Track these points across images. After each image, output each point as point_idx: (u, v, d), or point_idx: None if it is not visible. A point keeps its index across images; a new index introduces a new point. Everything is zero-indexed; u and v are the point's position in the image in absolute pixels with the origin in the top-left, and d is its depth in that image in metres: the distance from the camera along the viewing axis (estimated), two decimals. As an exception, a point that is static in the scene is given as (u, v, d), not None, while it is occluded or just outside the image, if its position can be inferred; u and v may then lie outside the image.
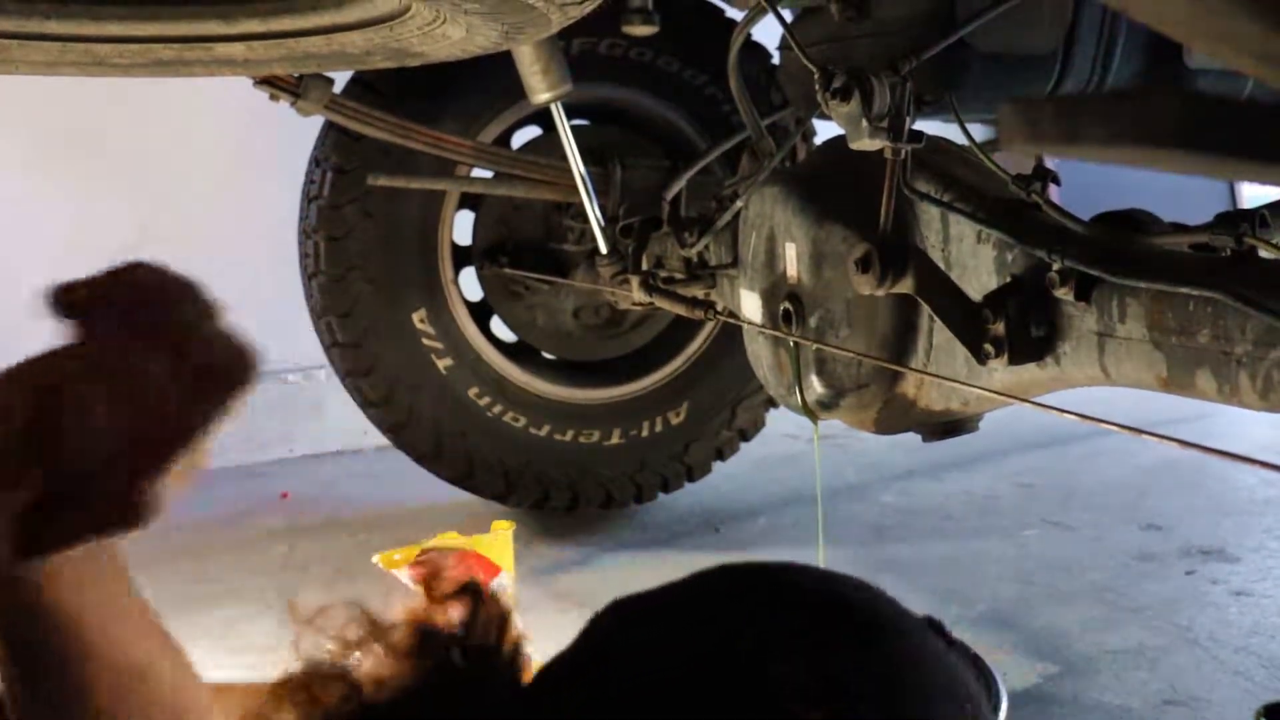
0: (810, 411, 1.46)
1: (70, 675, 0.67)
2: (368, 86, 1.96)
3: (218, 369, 0.59)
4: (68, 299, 0.59)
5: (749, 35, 1.59)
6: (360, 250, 2.02)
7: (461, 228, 2.14)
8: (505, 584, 1.68)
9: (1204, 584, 1.90)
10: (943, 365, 1.33)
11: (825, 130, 1.67)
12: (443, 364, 2.09)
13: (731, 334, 2.15)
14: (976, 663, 0.64)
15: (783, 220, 1.45)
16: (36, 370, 0.60)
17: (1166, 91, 0.44)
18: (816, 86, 1.26)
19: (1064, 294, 1.12)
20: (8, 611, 0.66)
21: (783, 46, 1.61)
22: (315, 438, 2.80)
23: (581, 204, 1.90)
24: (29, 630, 0.66)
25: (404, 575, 1.66)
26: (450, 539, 1.72)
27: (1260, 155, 0.46)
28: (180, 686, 0.78)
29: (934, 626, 0.63)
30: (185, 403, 0.58)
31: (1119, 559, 2.01)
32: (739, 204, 1.57)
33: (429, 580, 0.67)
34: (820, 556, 1.61)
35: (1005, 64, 1.40)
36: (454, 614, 0.65)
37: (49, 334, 0.60)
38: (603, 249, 1.88)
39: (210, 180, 2.71)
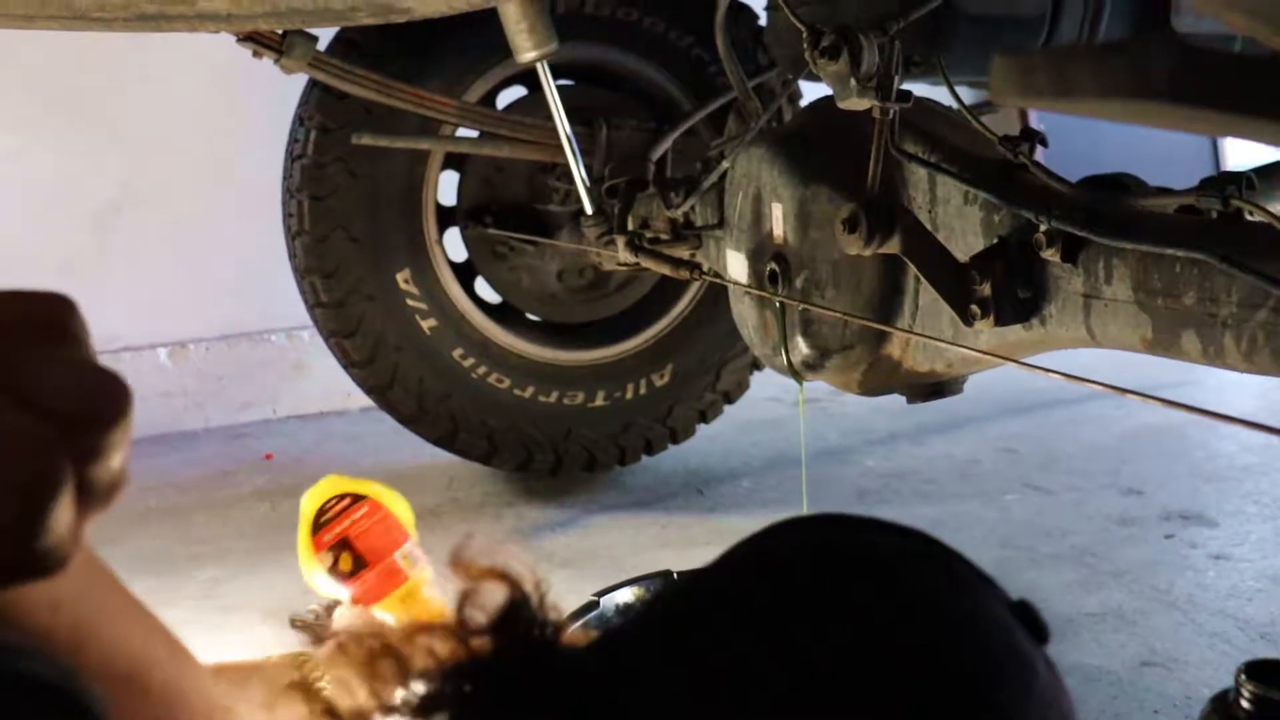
0: (796, 372, 1.46)
1: None
2: (352, 44, 1.95)
3: (76, 408, 0.54)
4: None
5: (736, -5, 1.58)
6: (344, 210, 2.01)
7: (446, 188, 2.13)
8: (414, 551, 1.66)
9: (1183, 548, 1.92)
10: (928, 326, 1.34)
11: (811, 92, 1.67)
12: (427, 325, 2.08)
13: (716, 296, 2.15)
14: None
15: (769, 181, 1.45)
16: None
17: (1160, 45, 0.44)
18: (805, 45, 1.25)
19: (1050, 255, 1.12)
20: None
21: (770, 7, 1.60)
22: (299, 398, 2.80)
23: (567, 165, 1.89)
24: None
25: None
26: (362, 486, 1.70)
27: (1253, 110, 0.46)
28: (182, 689, 0.77)
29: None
30: (44, 448, 0.53)
31: (1099, 523, 2.02)
32: (725, 165, 1.57)
33: (460, 559, 0.66)
34: (804, 518, 1.61)
35: (993, 25, 1.39)
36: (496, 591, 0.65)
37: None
38: (588, 210, 1.88)
39: (193, 139, 2.69)
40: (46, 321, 0.55)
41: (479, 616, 0.63)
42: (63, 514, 0.53)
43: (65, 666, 0.54)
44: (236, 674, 1.11)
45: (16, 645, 0.54)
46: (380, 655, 0.66)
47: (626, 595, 1.41)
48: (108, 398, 0.55)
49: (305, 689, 1.02)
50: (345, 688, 1.09)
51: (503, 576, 0.64)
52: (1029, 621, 0.61)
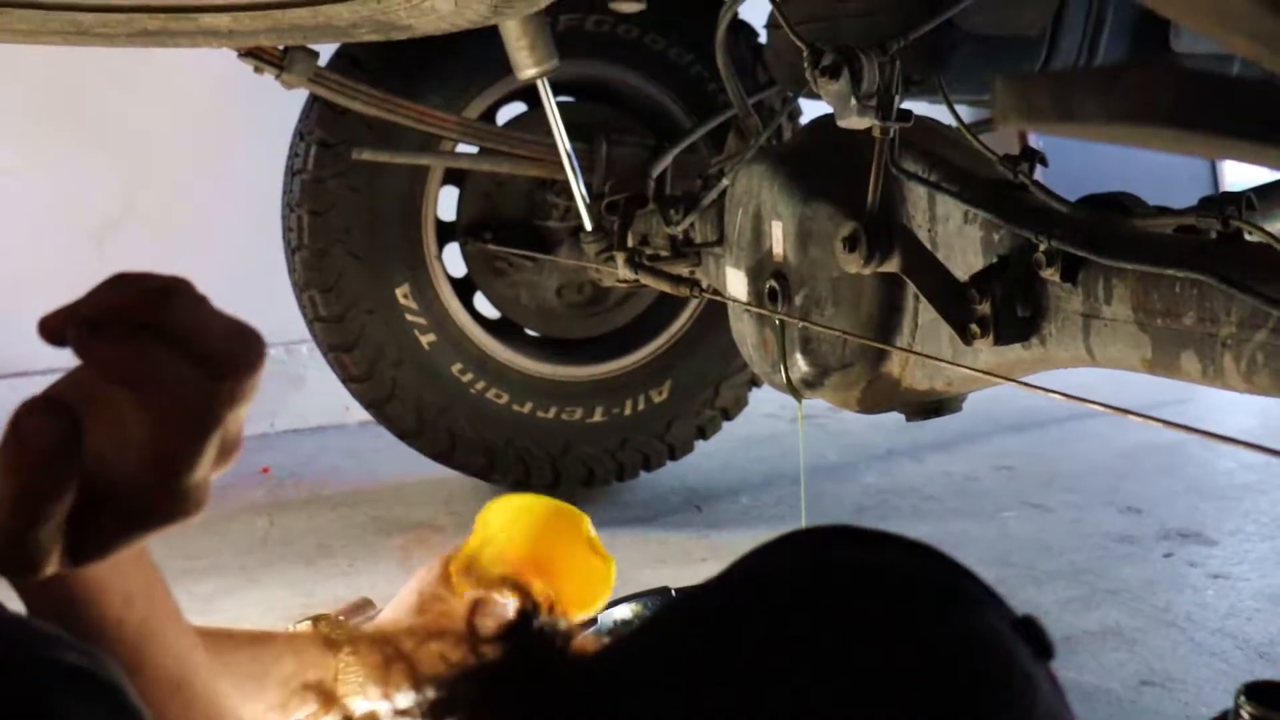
0: (795, 390, 1.46)
1: None
2: (353, 60, 1.95)
3: (220, 354, 0.59)
4: (51, 327, 0.60)
5: (736, 13, 1.58)
6: (344, 225, 2.01)
7: (446, 203, 2.13)
8: None
9: (1182, 566, 1.91)
10: (928, 345, 1.34)
11: (811, 110, 1.67)
12: (426, 340, 2.08)
13: (715, 313, 2.15)
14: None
15: (769, 198, 1.45)
16: (62, 384, 0.62)
17: (1163, 68, 0.44)
18: (805, 64, 1.26)
19: (1050, 275, 1.13)
20: (65, 619, 0.67)
21: (770, 25, 1.60)
22: (297, 412, 2.80)
23: (566, 181, 1.90)
24: (81, 637, 0.66)
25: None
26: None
27: (1255, 135, 0.46)
28: (213, 696, 0.79)
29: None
30: (193, 393, 0.58)
31: (1098, 541, 2.02)
32: (725, 182, 1.57)
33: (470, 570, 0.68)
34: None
35: (992, 45, 1.40)
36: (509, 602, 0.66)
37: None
38: (588, 226, 1.88)
39: (193, 153, 2.69)
40: (183, 288, 0.61)
41: (489, 624, 0.64)
42: (210, 456, 0.59)
43: (97, 654, 0.56)
44: (262, 644, 1.11)
45: (53, 633, 0.56)
46: (392, 660, 0.66)
47: (624, 611, 1.40)
48: (251, 346, 0.61)
49: (321, 690, 1.03)
50: (359, 690, 1.10)
51: (514, 585, 0.65)
52: (1033, 638, 0.61)
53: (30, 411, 0.58)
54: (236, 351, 0.60)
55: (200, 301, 0.61)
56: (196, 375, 0.59)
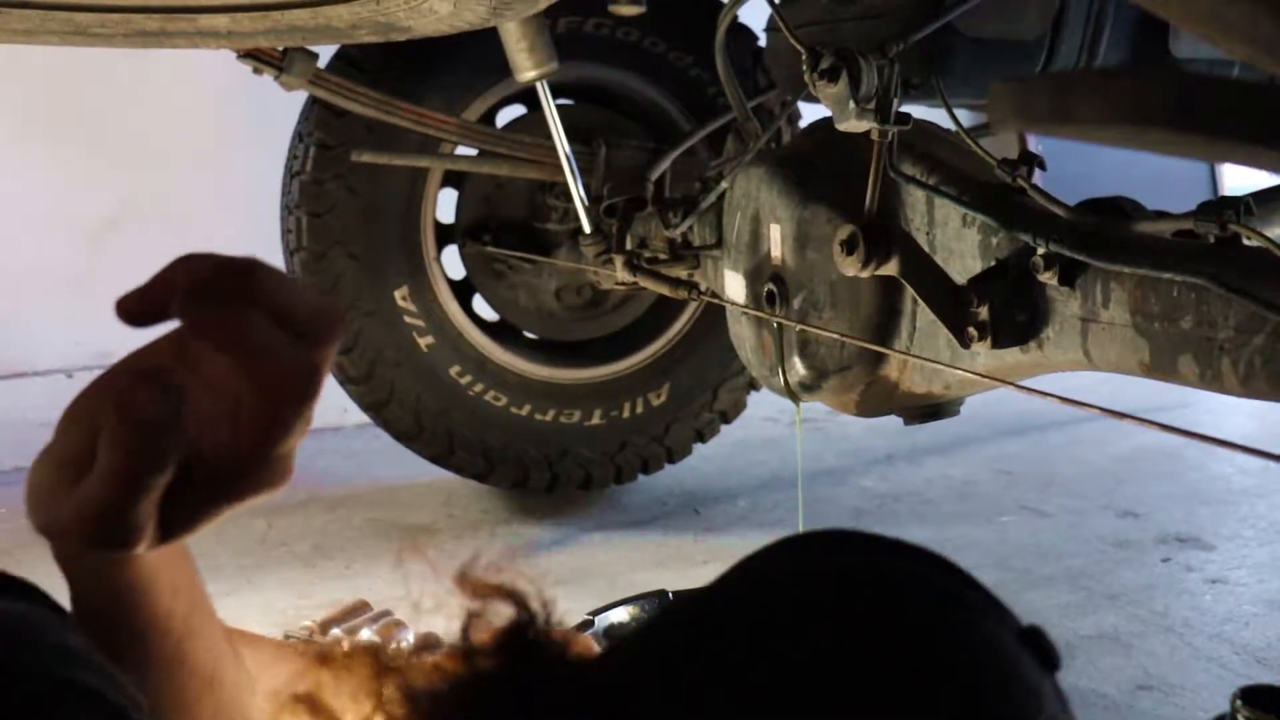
0: (793, 393, 1.46)
1: (152, 679, 0.68)
2: (352, 62, 1.95)
3: (309, 323, 0.61)
4: (129, 307, 0.60)
5: (735, 17, 1.58)
6: (343, 227, 2.01)
7: (445, 205, 2.13)
8: None
9: (1179, 571, 1.91)
10: (926, 348, 1.34)
11: (810, 114, 1.67)
12: (424, 342, 2.08)
13: (713, 316, 2.15)
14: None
15: (768, 201, 1.45)
16: (149, 356, 0.62)
17: (1160, 71, 0.44)
18: (804, 67, 1.26)
19: (1048, 279, 1.13)
20: (117, 609, 0.67)
21: (769, 28, 1.61)
22: (295, 415, 2.79)
23: (565, 183, 1.90)
24: (127, 631, 0.67)
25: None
26: None
27: (1252, 137, 0.46)
28: (241, 693, 0.78)
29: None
30: (291, 359, 0.60)
31: (1095, 545, 2.02)
32: (724, 185, 1.57)
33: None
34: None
35: (991, 49, 1.40)
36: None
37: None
38: (586, 228, 1.88)
39: (193, 154, 2.69)
40: (262, 264, 0.62)
41: (484, 634, 0.63)
42: (304, 425, 0.61)
43: (114, 676, 0.55)
44: (254, 649, 1.11)
45: (73, 648, 0.56)
46: (385, 672, 0.66)
47: (621, 614, 1.40)
48: (336, 317, 0.62)
49: (311, 702, 1.03)
50: (350, 703, 1.09)
51: (509, 595, 0.65)
52: (1039, 648, 0.60)
53: (137, 383, 0.59)
54: (324, 322, 0.61)
55: (281, 275, 0.62)
56: (294, 345, 0.59)
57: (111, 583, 0.68)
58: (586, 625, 1.46)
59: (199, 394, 0.60)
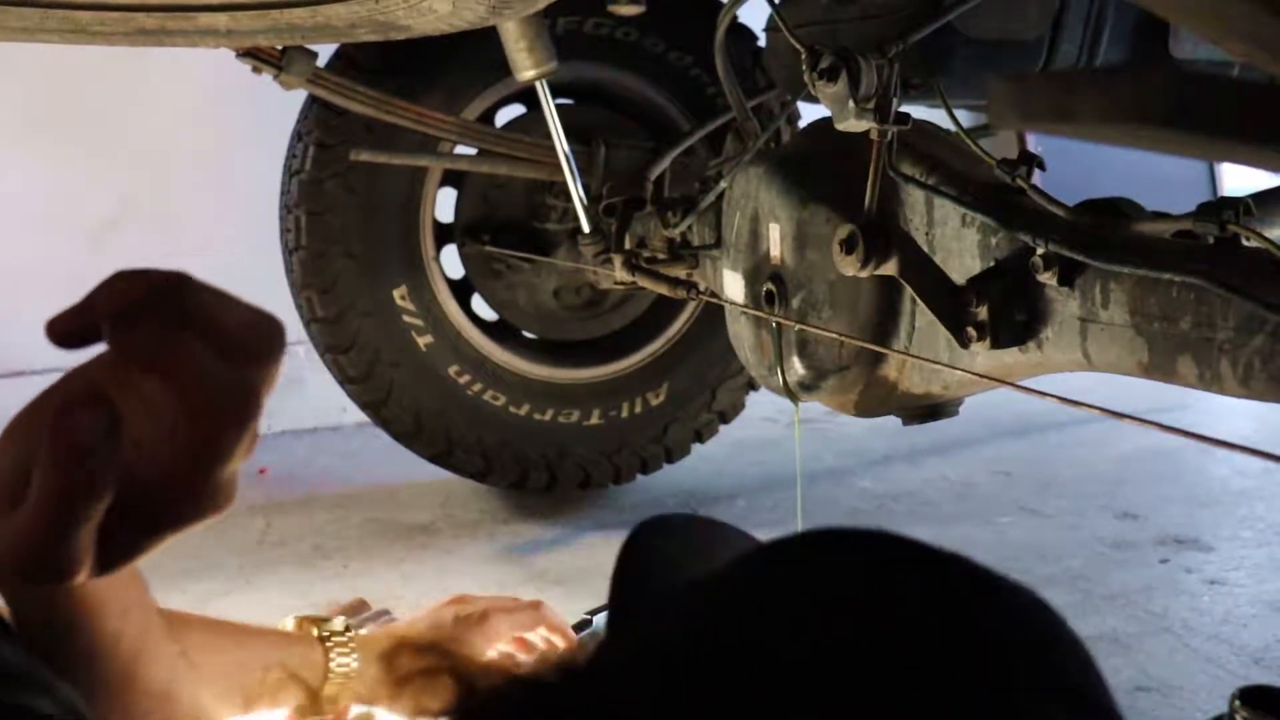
0: (791, 393, 1.46)
1: (103, 699, 0.67)
2: (351, 61, 1.95)
3: (244, 341, 0.59)
4: (61, 328, 0.59)
5: (735, 17, 1.58)
6: (341, 226, 2.01)
7: (444, 205, 2.13)
8: None
9: (1178, 572, 1.91)
10: (925, 348, 1.34)
11: (810, 114, 1.67)
12: (423, 341, 2.08)
13: (712, 316, 2.15)
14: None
15: (767, 201, 1.45)
16: (84, 379, 0.60)
17: (1160, 69, 0.44)
18: (804, 67, 1.26)
19: (1047, 279, 1.12)
20: (62, 631, 0.66)
21: (769, 28, 1.60)
22: (294, 413, 2.79)
23: (564, 183, 1.90)
24: (72, 652, 0.66)
25: None
26: None
27: (1251, 136, 0.46)
28: (197, 707, 0.78)
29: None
30: (225, 380, 0.58)
31: (1094, 547, 2.02)
32: (723, 185, 1.57)
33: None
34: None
35: (991, 49, 1.40)
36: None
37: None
38: (585, 228, 1.88)
39: (192, 154, 2.69)
40: (192, 280, 0.61)
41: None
42: (244, 447, 0.59)
43: (74, 704, 0.55)
44: (252, 635, 1.11)
45: (31, 674, 0.55)
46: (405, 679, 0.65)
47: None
48: (274, 333, 0.61)
49: (306, 684, 1.04)
50: (346, 687, 1.09)
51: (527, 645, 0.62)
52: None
53: (72, 408, 0.57)
54: (261, 339, 0.60)
55: (215, 291, 0.61)
56: (228, 365, 0.58)
57: (56, 608, 0.67)
58: (585, 625, 1.46)
59: (136, 418, 0.58)
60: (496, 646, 1.26)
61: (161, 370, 0.57)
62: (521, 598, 1.69)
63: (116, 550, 0.58)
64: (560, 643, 1.35)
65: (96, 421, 0.56)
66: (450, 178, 2.13)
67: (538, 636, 1.33)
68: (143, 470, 0.58)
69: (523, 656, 1.32)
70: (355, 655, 1.09)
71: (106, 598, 0.68)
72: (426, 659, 0.66)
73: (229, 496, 0.60)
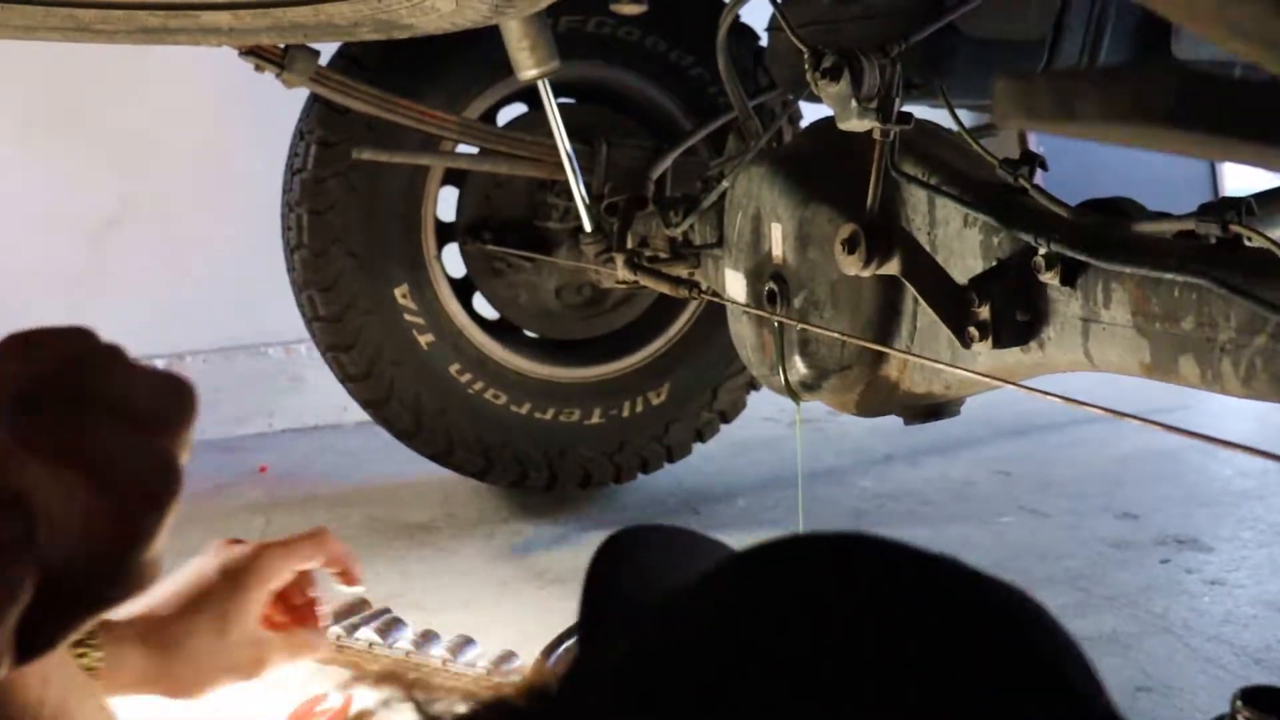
0: (793, 392, 1.46)
1: None
2: (354, 59, 1.95)
3: (155, 410, 0.56)
4: None
5: (737, 16, 1.58)
6: (343, 224, 2.01)
7: (446, 204, 2.13)
8: None
9: (1178, 573, 1.91)
10: (926, 348, 1.34)
11: (812, 113, 1.67)
12: (424, 340, 2.08)
13: (713, 315, 2.15)
14: None
15: (769, 200, 1.45)
16: (5, 478, 0.56)
17: (1163, 69, 0.44)
18: (806, 66, 1.26)
19: (1049, 279, 1.13)
20: None
21: (771, 28, 1.61)
22: (295, 412, 2.79)
23: (566, 182, 1.90)
24: None
25: None
26: None
27: (1253, 135, 0.46)
28: None
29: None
30: (138, 458, 0.55)
31: (1094, 547, 2.02)
32: (725, 184, 1.57)
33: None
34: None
35: (993, 49, 1.40)
36: None
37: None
38: (587, 227, 1.88)
39: (193, 153, 2.69)
40: (97, 346, 0.58)
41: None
42: (167, 526, 0.56)
43: None
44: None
45: None
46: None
47: (620, 614, 1.40)
48: (185, 397, 0.58)
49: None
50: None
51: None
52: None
53: None
54: (172, 405, 0.57)
55: (120, 357, 0.57)
56: (143, 442, 0.55)
57: None
58: (571, 634, 1.46)
59: (52, 505, 0.54)
60: (270, 586, 1.18)
61: (72, 459, 0.54)
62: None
63: (39, 642, 0.55)
64: (343, 575, 1.28)
65: (10, 529, 0.52)
66: (452, 176, 2.13)
67: (319, 566, 1.26)
68: (62, 559, 0.54)
69: (309, 592, 1.27)
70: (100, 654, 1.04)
71: (27, 669, 0.66)
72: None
73: (155, 573, 0.56)
